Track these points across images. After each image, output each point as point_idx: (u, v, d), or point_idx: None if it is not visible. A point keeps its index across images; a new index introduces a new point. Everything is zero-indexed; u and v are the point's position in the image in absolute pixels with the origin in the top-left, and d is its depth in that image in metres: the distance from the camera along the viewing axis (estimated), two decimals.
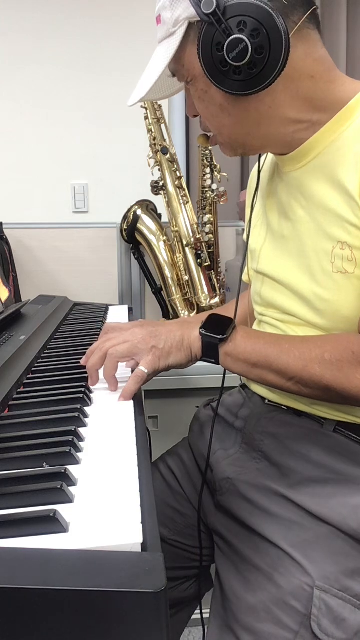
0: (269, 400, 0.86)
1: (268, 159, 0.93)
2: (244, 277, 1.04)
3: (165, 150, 1.62)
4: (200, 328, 0.81)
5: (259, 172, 0.89)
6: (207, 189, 1.67)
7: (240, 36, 0.66)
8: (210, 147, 1.61)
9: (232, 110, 0.74)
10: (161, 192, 1.65)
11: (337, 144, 0.74)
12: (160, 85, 0.81)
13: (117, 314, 1.45)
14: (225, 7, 0.67)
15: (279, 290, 0.82)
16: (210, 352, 0.80)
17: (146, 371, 0.79)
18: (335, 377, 0.70)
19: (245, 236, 0.94)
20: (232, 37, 0.67)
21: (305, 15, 0.71)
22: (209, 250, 1.65)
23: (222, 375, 0.88)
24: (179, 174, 1.64)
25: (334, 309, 0.74)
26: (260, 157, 0.90)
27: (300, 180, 0.79)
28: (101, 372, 0.83)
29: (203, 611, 1.01)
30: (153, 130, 1.63)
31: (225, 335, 0.78)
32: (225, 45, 0.67)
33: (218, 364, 0.81)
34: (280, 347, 0.75)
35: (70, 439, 0.61)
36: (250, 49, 0.66)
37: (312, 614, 0.69)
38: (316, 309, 0.76)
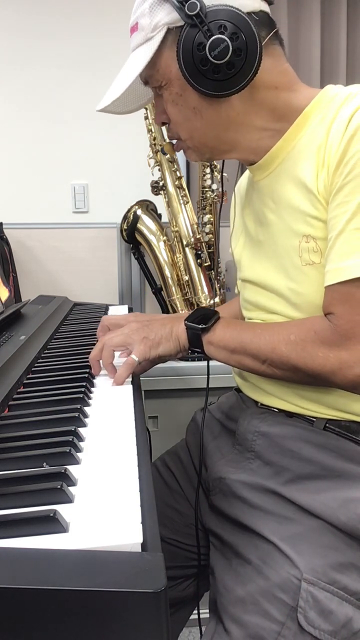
0: (261, 404, 0.88)
1: (246, 173, 0.98)
2: (237, 289, 1.07)
3: (165, 151, 1.62)
4: (185, 320, 0.87)
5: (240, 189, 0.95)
6: (207, 189, 1.67)
7: (222, 36, 0.72)
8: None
9: (204, 113, 0.78)
10: (161, 192, 1.65)
11: (297, 148, 0.79)
12: (127, 97, 0.83)
13: (117, 314, 1.45)
14: (207, 11, 0.72)
15: (261, 293, 0.86)
16: (195, 342, 0.86)
17: (137, 359, 0.85)
18: (300, 356, 0.74)
19: (230, 251, 1.00)
20: (215, 36, 0.72)
21: (271, 33, 0.77)
22: (209, 250, 1.66)
23: (207, 377, 0.93)
24: (179, 174, 1.64)
25: (308, 301, 0.78)
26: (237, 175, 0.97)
27: (269, 187, 0.84)
28: (104, 369, 0.88)
29: (201, 612, 1.02)
30: (153, 130, 1.63)
31: (206, 325, 0.85)
32: (208, 44, 0.72)
33: (204, 353, 0.86)
34: (253, 332, 0.81)
35: (70, 439, 0.61)
36: (230, 48, 0.72)
37: (299, 605, 0.69)
38: (293, 303, 0.80)
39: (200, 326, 0.85)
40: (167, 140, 0.91)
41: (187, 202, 1.63)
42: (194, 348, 0.87)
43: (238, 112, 0.78)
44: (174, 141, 0.88)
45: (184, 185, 1.64)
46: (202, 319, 0.86)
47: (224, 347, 0.83)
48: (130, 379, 0.86)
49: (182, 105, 0.79)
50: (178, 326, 0.88)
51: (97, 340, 1.07)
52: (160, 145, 1.62)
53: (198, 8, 0.71)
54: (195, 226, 1.62)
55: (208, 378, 0.93)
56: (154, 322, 0.90)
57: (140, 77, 0.80)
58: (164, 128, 1.63)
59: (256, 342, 0.79)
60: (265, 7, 0.77)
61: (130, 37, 0.81)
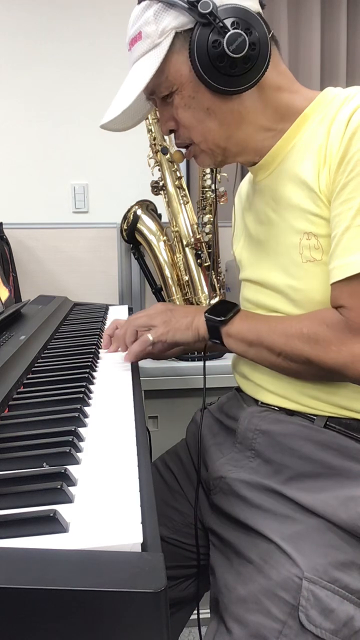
0: (261, 402, 0.88)
1: (246, 178, 1.00)
2: None
3: (165, 150, 1.62)
4: (205, 312, 0.89)
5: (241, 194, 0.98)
6: (207, 189, 1.67)
7: (239, 31, 0.73)
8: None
9: (218, 112, 0.80)
10: (161, 192, 1.65)
11: (296, 147, 0.81)
12: (128, 112, 0.82)
13: (117, 314, 1.45)
14: (218, 9, 0.74)
15: (261, 291, 0.88)
16: (214, 333, 0.88)
17: (151, 338, 0.90)
18: (313, 349, 0.75)
19: (232, 252, 1.01)
20: (232, 31, 0.73)
21: (270, 34, 0.78)
22: (209, 250, 1.65)
23: (203, 377, 0.95)
24: (179, 174, 1.64)
25: (308, 297, 0.79)
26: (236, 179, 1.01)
27: (270, 187, 0.85)
28: (104, 369, 0.91)
29: (201, 611, 1.02)
30: (153, 130, 1.63)
31: (225, 318, 0.86)
32: (225, 39, 0.73)
33: (223, 345, 0.88)
34: (269, 325, 0.81)
35: (70, 439, 0.61)
36: (247, 42, 0.73)
37: (300, 604, 0.69)
38: (293, 300, 0.81)
39: (219, 318, 0.86)
40: (176, 149, 0.91)
41: (187, 202, 1.63)
42: (214, 340, 0.89)
43: (248, 110, 0.80)
44: (183, 150, 0.88)
45: (184, 185, 1.64)
46: (222, 311, 0.88)
47: (242, 340, 0.84)
48: (130, 379, 0.86)
49: (195, 107, 0.80)
50: (199, 318, 0.90)
51: (97, 340, 1.08)
52: (161, 145, 1.62)
53: (211, 7, 0.73)
54: (195, 226, 1.62)
55: (205, 378, 0.94)
56: (179, 310, 0.94)
57: (146, 88, 0.80)
58: None
59: (271, 335, 0.80)
60: (260, 11, 0.79)
61: (130, 49, 0.81)
